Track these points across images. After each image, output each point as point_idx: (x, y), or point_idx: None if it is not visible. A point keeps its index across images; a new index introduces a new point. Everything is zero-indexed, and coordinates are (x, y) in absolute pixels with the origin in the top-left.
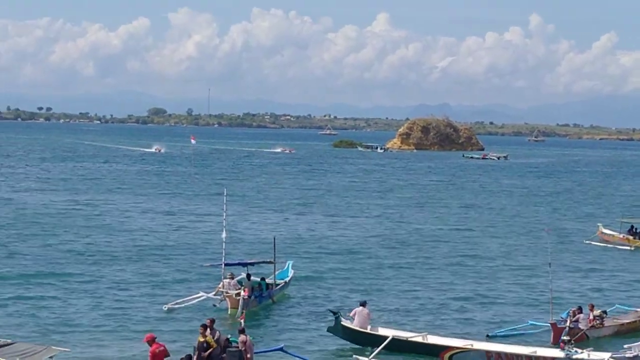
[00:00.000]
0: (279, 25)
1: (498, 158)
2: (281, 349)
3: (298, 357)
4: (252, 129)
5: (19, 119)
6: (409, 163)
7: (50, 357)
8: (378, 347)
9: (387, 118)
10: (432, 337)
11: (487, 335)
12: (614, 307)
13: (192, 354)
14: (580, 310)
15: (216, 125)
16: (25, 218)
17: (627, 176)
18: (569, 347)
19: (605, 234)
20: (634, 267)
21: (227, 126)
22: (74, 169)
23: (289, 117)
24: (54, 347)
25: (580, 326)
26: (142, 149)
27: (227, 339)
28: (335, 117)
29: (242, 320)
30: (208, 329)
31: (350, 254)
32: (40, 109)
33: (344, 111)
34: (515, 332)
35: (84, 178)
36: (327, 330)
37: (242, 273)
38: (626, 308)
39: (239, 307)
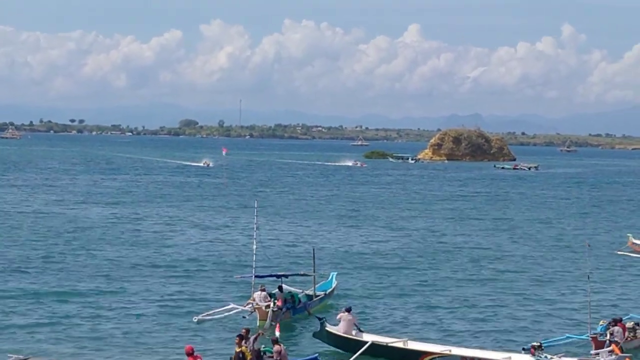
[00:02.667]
0: (310, 37)
1: (529, 168)
2: (316, 359)
3: None
4: (284, 140)
5: (52, 132)
6: (441, 173)
7: None
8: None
9: (418, 129)
10: (412, 343)
11: (523, 349)
12: (628, 317)
13: None
14: (615, 323)
15: (247, 137)
16: (58, 230)
17: None
18: (539, 353)
19: (636, 244)
20: None
21: (259, 137)
22: (115, 181)
23: (320, 129)
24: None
25: (617, 339)
26: (189, 163)
27: (259, 350)
28: (366, 128)
29: (277, 332)
30: (244, 340)
31: (389, 266)
32: (73, 121)
33: (376, 122)
34: (551, 345)
35: (121, 191)
36: (313, 336)
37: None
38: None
39: (268, 319)
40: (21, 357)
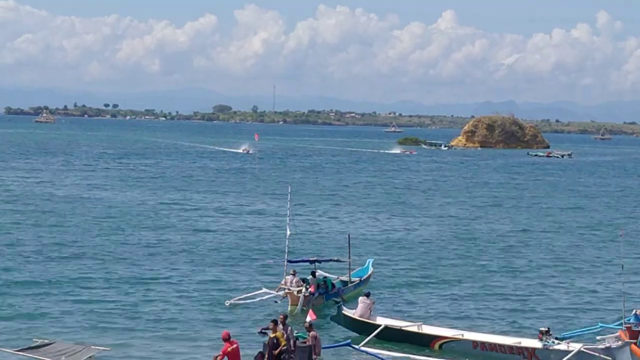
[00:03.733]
0: (344, 22)
1: (562, 156)
2: (348, 344)
3: (365, 352)
4: (317, 126)
5: (86, 116)
6: (474, 161)
7: (90, 357)
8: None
9: (452, 116)
10: (425, 327)
11: (556, 338)
12: None
13: (263, 351)
14: None
15: (281, 123)
16: (94, 215)
17: None
18: (546, 338)
19: None
20: None
21: (292, 123)
22: (149, 167)
23: (353, 115)
24: (93, 347)
25: None
26: (228, 149)
27: (294, 336)
28: (400, 115)
29: (310, 317)
30: (280, 325)
31: (423, 253)
32: (107, 105)
33: (409, 108)
34: (584, 334)
35: (156, 176)
36: (331, 319)
37: (321, 271)
38: None
39: (299, 304)
40: (47, 341)
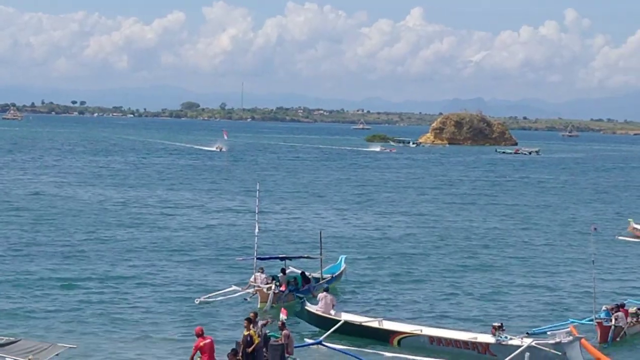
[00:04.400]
0: (313, 20)
1: (530, 153)
2: (320, 343)
3: (337, 349)
4: (285, 123)
5: (53, 113)
6: (443, 158)
7: (56, 355)
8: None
9: (420, 113)
10: (386, 323)
11: (527, 333)
12: (626, 300)
13: (237, 348)
14: (618, 308)
15: (249, 120)
16: (62, 213)
17: None
18: (499, 333)
19: (637, 229)
20: None
21: (260, 120)
22: (117, 164)
23: (322, 112)
24: (59, 345)
25: (621, 324)
26: (201, 147)
27: (266, 334)
28: (368, 112)
29: (283, 315)
30: (252, 323)
31: (395, 250)
32: (74, 102)
33: (377, 106)
34: (555, 330)
35: (124, 174)
36: (294, 314)
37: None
38: (637, 303)
39: (268, 301)
40: (12, 339)
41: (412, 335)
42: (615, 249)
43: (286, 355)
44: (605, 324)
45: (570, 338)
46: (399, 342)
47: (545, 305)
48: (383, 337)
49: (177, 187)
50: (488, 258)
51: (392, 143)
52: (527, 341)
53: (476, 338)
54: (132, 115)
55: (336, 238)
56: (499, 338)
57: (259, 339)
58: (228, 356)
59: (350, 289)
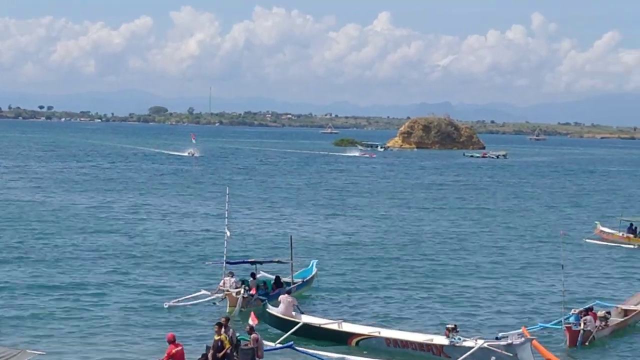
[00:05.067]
0: (281, 24)
1: (497, 157)
2: (290, 347)
3: (307, 353)
4: (253, 127)
5: (20, 118)
6: (411, 162)
7: None
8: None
9: (388, 117)
10: (345, 325)
11: (496, 338)
12: (594, 304)
13: (206, 353)
14: (586, 312)
15: (217, 124)
16: (27, 219)
17: (626, 175)
18: (453, 335)
19: (604, 232)
20: (630, 265)
21: (228, 125)
22: (85, 169)
23: (290, 116)
24: (28, 351)
25: (589, 328)
26: (172, 152)
27: (237, 339)
28: (336, 116)
29: (252, 320)
30: (223, 328)
31: (365, 255)
32: (42, 107)
33: (345, 110)
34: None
35: (94, 179)
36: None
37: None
38: (605, 305)
39: (237, 306)
40: None
41: (370, 337)
42: (583, 253)
43: (256, 359)
44: (574, 328)
45: (522, 339)
46: (357, 343)
47: (514, 309)
48: (342, 339)
49: (147, 192)
50: (457, 262)
51: (360, 147)
52: (479, 342)
53: (432, 340)
54: (99, 120)
55: (307, 242)
56: (453, 340)
57: (230, 344)
58: None
59: (321, 293)
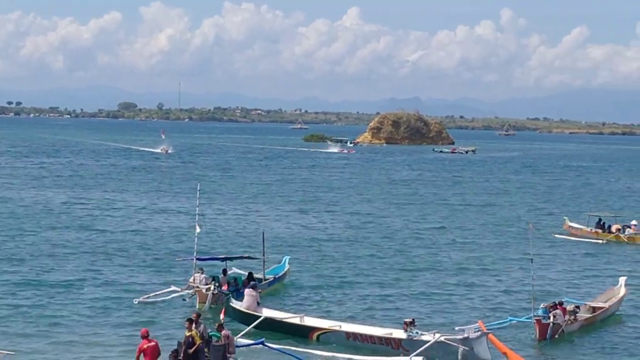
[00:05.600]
0: (250, 19)
1: (467, 152)
2: (262, 343)
3: (278, 350)
4: (223, 123)
5: None
6: (381, 157)
7: None
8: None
9: (357, 112)
10: (307, 319)
11: (454, 331)
12: (564, 300)
13: (178, 349)
14: (556, 306)
15: (187, 120)
16: None
17: (595, 170)
18: (410, 329)
19: (573, 227)
20: (598, 260)
21: (198, 120)
22: (55, 165)
23: (259, 112)
24: None
25: (559, 322)
26: (145, 149)
27: (208, 335)
28: (306, 112)
29: (222, 316)
30: (194, 324)
31: (338, 251)
32: (10, 103)
33: (315, 105)
34: (494, 328)
35: (63, 175)
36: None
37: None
38: (574, 301)
39: (207, 302)
40: None
41: (330, 332)
42: (552, 248)
43: (227, 355)
44: (543, 321)
45: (478, 333)
46: (318, 337)
47: (484, 304)
48: (303, 333)
49: (118, 188)
50: (427, 258)
51: (329, 142)
52: (437, 336)
53: (391, 334)
54: (68, 116)
55: (280, 239)
56: (410, 334)
57: (201, 340)
58: (169, 357)
59: (293, 290)
